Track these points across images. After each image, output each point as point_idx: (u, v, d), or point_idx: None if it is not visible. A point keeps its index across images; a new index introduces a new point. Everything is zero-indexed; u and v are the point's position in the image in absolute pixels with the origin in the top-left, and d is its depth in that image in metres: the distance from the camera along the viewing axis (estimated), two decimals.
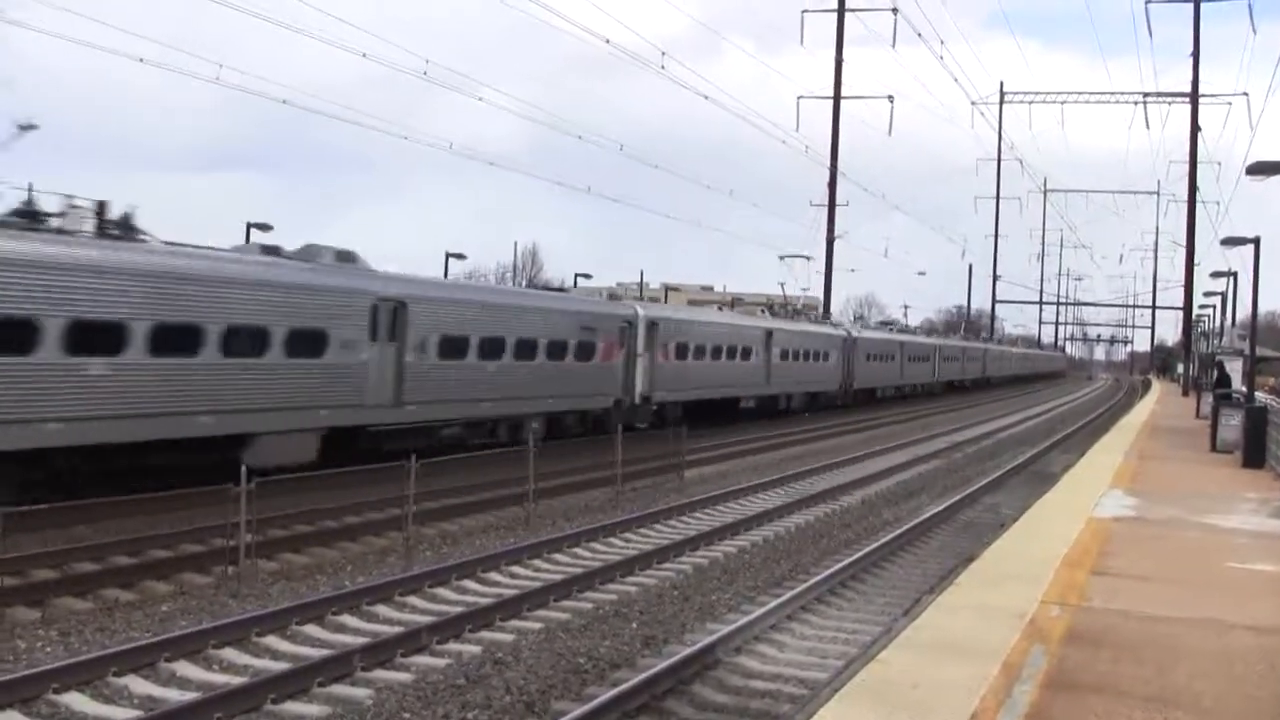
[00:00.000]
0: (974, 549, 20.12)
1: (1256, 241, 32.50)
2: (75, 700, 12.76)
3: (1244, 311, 48.72)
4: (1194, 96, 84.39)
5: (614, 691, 12.92)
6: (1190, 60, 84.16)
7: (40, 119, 24.87)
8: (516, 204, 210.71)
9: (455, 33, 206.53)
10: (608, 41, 54.90)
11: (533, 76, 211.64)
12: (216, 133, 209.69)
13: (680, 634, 16.29)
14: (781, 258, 72.65)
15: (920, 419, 65.23)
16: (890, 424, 59.46)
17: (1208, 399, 41.78)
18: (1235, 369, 41.84)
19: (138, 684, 13.38)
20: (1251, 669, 10.09)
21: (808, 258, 74.57)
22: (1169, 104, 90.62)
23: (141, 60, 36.39)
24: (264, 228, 31.94)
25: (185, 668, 14.05)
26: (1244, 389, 36.09)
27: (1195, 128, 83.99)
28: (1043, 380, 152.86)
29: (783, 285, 72.69)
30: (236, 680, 13.52)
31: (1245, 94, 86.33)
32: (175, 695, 12.99)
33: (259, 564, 19.39)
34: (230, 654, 14.70)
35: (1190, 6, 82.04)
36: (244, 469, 19.11)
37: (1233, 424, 32.40)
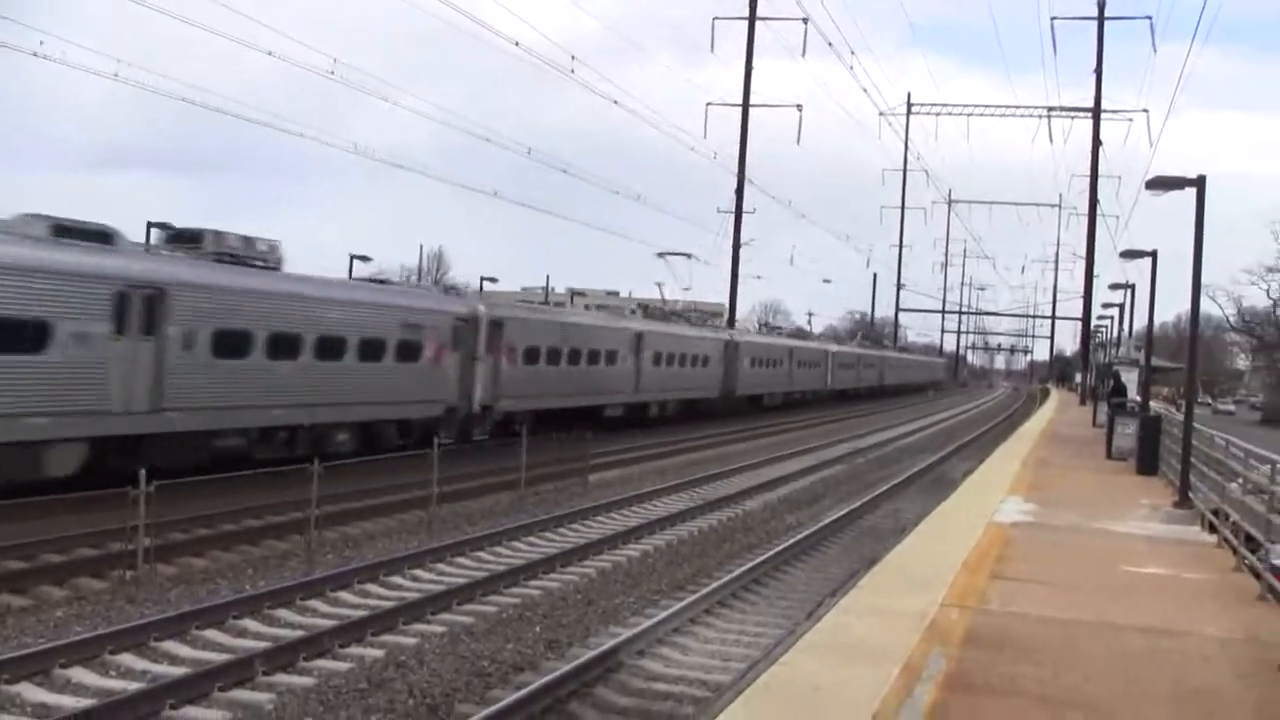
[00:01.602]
0: (876, 553, 20.32)
1: (1154, 255, 33.03)
2: None
3: (1141, 323, 49.52)
4: (1096, 112, 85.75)
5: (517, 694, 12.96)
6: (1094, 77, 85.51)
7: None
8: (425, 207, 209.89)
9: (364, 36, 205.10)
10: (517, 44, 54.94)
11: (443, 80, 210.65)
12: (116, 131, 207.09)
13: (584, 637, 16.36)
14: (660, 255, 68.82)
15: (812, 428, 65.23)
16: (778, 433, 58.97)
17: (1104, 408, 42.43)
18: (1131, 379, 42.48)
19: (31, 691, 13.19)
20: (1143, 669, 10.31)
21: (688, 255, 69.75)
22: (1072, 119, 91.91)
23: (35, 54, 35.77)
24: (165, 228, 31.55)
25: (81, 674, 13.86)
26: (1139, 398, 36.67)
27: (1097, 142, 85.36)
28: (931, 388, 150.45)
29: (660, 285, 69.05)
30: (134, 686, 13.35)
31: (1146, 110, 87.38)
32: (70, 702, 12.78)
33: (158, 568, 19.15)
34: (128, 659, 14.51)
35: (1094, 25, 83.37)
36: (143, 471, 18.89)
37: (1128, 432, 32.93)
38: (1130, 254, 35.34)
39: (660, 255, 67.86)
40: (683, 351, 59.50)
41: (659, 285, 68.47)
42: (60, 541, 20.09)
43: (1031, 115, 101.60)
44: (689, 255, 69.19)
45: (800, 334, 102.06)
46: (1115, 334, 64.89)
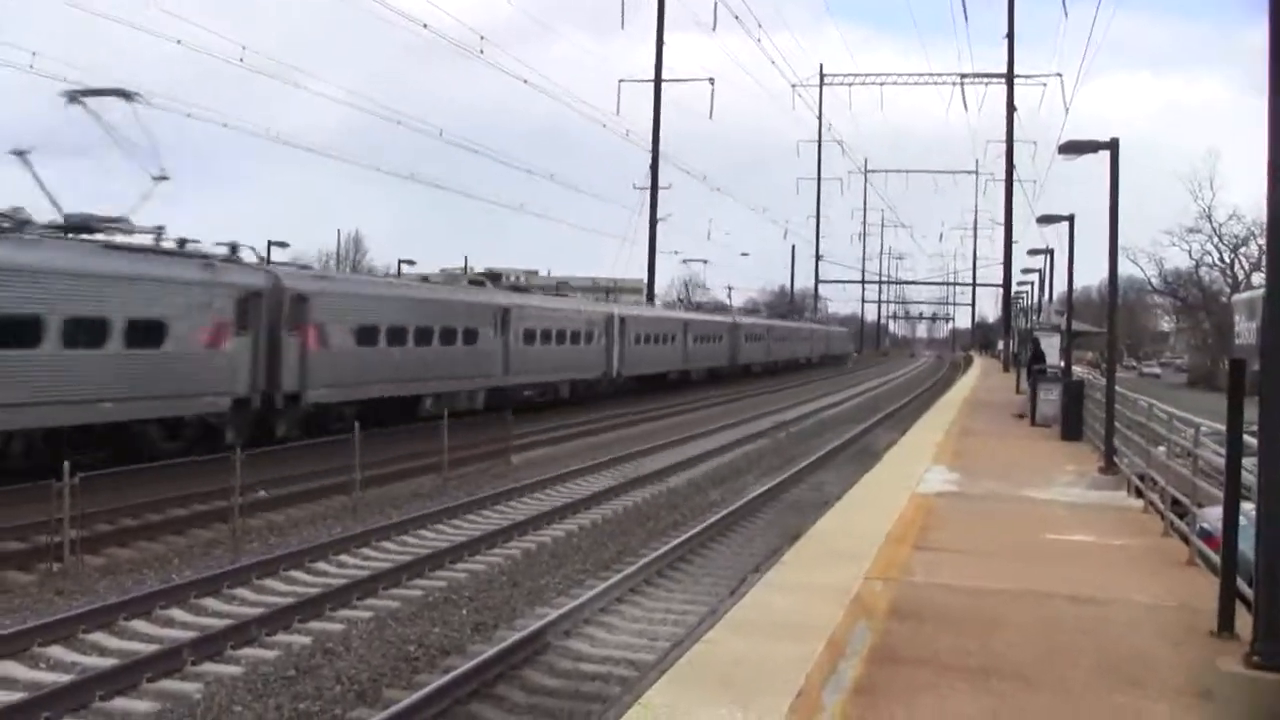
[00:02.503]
0: (799, 527, 20.41)
1: (1071, 219, 33.23)
2: None
3: (1062, 287, 49.89)
4: (1009, 77, 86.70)
5: (445, 678, 13.01)
6: (1006, 42, 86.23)
7: None
8: (341, 192, 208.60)
9: (275, 21, 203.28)
10: (425, 27, 54.66)
11: (354, 64, 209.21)
12: (30, 121, 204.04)
13: (510, 619, 16.41)
14: None
15: (735, 401, 65.26)
16: (702, 408, 58.84)
17: (1026, 375, 42.74)
18: (1053, 345, 42.71)
19: None
20: (1070, 637, 10.42)
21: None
22: (986, 85, 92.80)
23: None
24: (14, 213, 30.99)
25: (10, 667, 13.82)
26: (1061, 364, 36.94)
27: (1011, 108, 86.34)
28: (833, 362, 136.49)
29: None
30: (64, 678, 13.34)
31: (1059, 75, 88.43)
32: (1, 695, 12.75)
33: (84, 560, 19.07)
34: (57, 652, 14.47)
35: None
36: (66, 464, 18.76)
37: (1051, 399, 33.20)
38: (1047, 219, 35.50)
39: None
40: (559, 328, 54.09)
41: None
42: None
43: (945, 82, 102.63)
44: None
45: (721, 308, 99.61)
46: (1036, 300, 65.38)
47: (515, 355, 47.95)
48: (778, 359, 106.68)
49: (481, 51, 59.60)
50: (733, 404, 62.82)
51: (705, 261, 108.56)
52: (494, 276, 56.83)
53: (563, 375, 55.32)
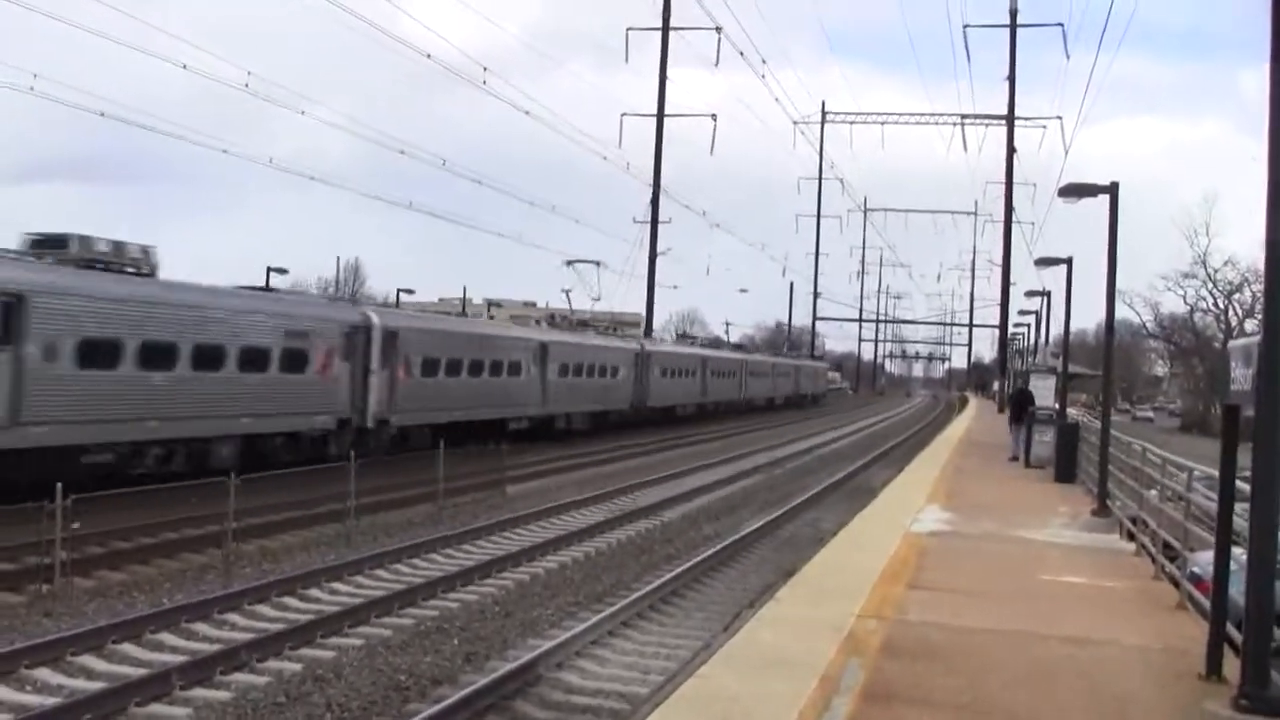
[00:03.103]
0: (794, 563, 20.44)
1: (1069, 261, 33.31)
2: None
3: (1058, 329, 49.98)
4: (1010, 119, 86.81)
5: (435, 708, 12.97)
6: (1007, 84, 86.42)
7: None
8: (342, 219, 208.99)
9: (280, 48, 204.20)
10: (429, 56, 54.85)
11: (357, 91, 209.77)
12: (35, 144, 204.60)
13: (502, 650, 16.35)
14: (568, 263, 66.24)
15: (731, 437, 65.38)
16: (697, 443, 59.08)
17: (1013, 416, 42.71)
18: (1048, 386, 42.71)
19: None
20: (1061, 678, 10.43)
21: (597, 263, 67.01)
22: (986, 126, 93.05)
23: None
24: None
25: None
26: (1056, 406, 36.97)
27: (1011, 149, 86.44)
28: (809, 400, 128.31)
29: (568, 293, 66.96)
30: (50, 701, 13.24)
31: (1059, 117, 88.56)
32: None
33: (75, 582, 19.05)
34: (44, 674, 14.42)
35: (1007, 32, 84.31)
36: (59, 485, 18.77)
37: (1045, 440, 33.21)
38: (1045, 261, 35.62)
39: (569, 263, 66.13)
40: (591, 362, 58.06)
41: (566, 293, 66.75)
42: None
43: (946, 123, 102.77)
44: (598, 263, 67.02)
45: (717, 344, 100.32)
46: (1032, 341, 65.48)
47: (552, 387, 51.96)
48: (780, 394, 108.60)
49: (484, 82, 59.82)
50: (731, 439, 62.85)
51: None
52: (494, 306, 58.07)
53: (594, 406, 58.35)
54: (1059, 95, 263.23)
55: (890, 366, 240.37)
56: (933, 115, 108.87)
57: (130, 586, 19.76)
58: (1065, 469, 30.07)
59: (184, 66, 44.00)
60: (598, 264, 66.59)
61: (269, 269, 46.46)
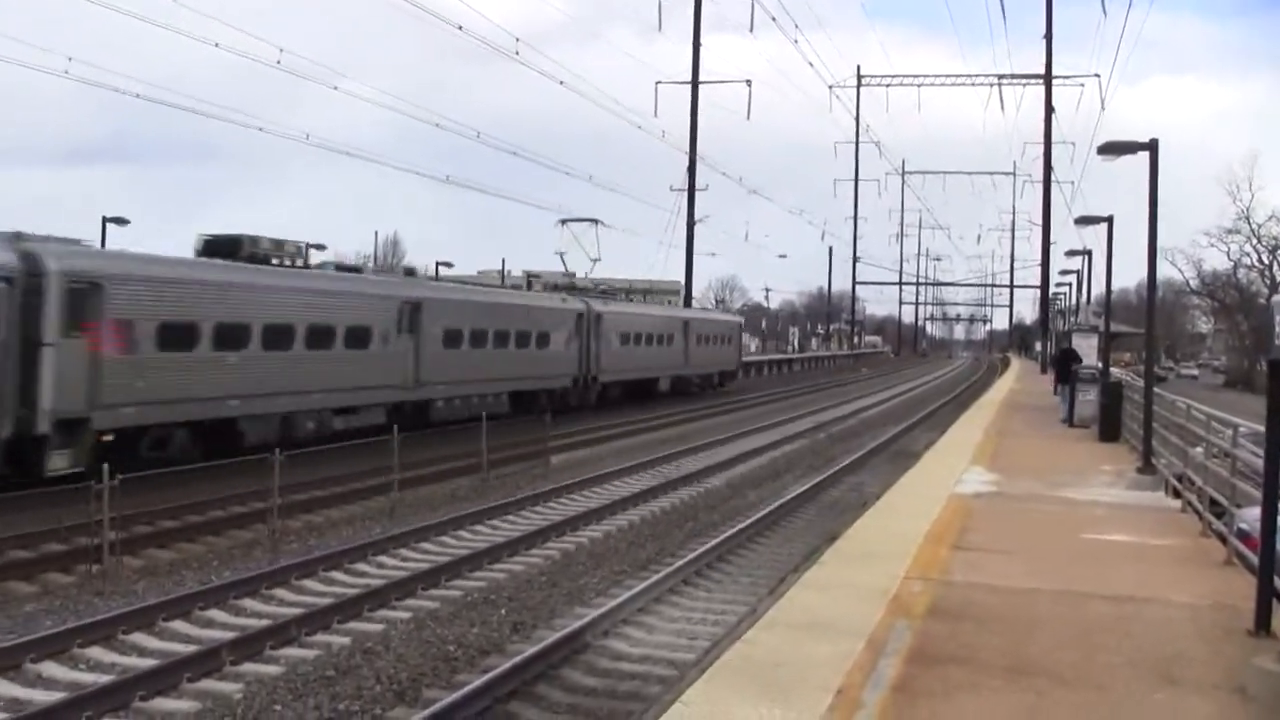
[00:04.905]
0: (838, 527, 20.41)
1: (1110, 220, 33.02)
2: None
3: (1099, 288, 49.58)
4: (1047, 78, 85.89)
5: (484, 678, 13.02)
6: (1044, 43, 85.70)
7: None
8: (378, 193, 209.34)
9: (311, 23, 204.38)
10: (460, 29, 54.69)
11: (391, 66, 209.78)
12: (72, 127, 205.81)
13: (549, 619, 16.42)
14: (563, 222, 59.85)
15: (774, 403, 64.96)
16: (739, 410, 58.73)
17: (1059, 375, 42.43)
18: (1090, 345, 42.37)
19: (3, 686, 13.25)
20: (1108, 637, 10.38)
21: (595, 221, 60.55)
22: (1024, 85, 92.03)
23: None
24: (121, 222, 31.38)
25: (51, 668, 13.92)
26: (1098, 365, 36.68)
27: (1049, 109, 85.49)
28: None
29: (562, 256, 60.18)
30: (104, 679, 13.41)
31: (1097, 75, 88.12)
32: (42, 696, 12.86)
33: (124, 561, 19.16)
34: (97, 652, 14.56)
35: None
36: (105, 466, 18.88)
37: (1089, 399, 33.00)
38: (1085, 220, 35.26)
39: (563, 222, 60.42)
40: (499, 327, 45.02)
41: (560, 255, 60.64)
42: (27, 537, 20.12)
43: (982, 84, 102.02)
44: (595, 221, 61.09)
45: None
46: (1074, 301, 65.02)
47: (428, 361, 40.65)
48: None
49: (517, 53, 59.61)
50: (776, 404, 62.80)
51: None
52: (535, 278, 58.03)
53: (505, 386, 45.44)
54: (1097, 53, 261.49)
55: (931, 329, 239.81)
56: (969, 76, 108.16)
57: (178, 565, 19.91)
58: (1109, 428, 29.88)
59: (216, 45, 44.06)
60: (595, 222, 61.47)
61: (306, 245, 46.51)
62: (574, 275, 61.46)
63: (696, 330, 69.67)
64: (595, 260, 61.68)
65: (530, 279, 60.60)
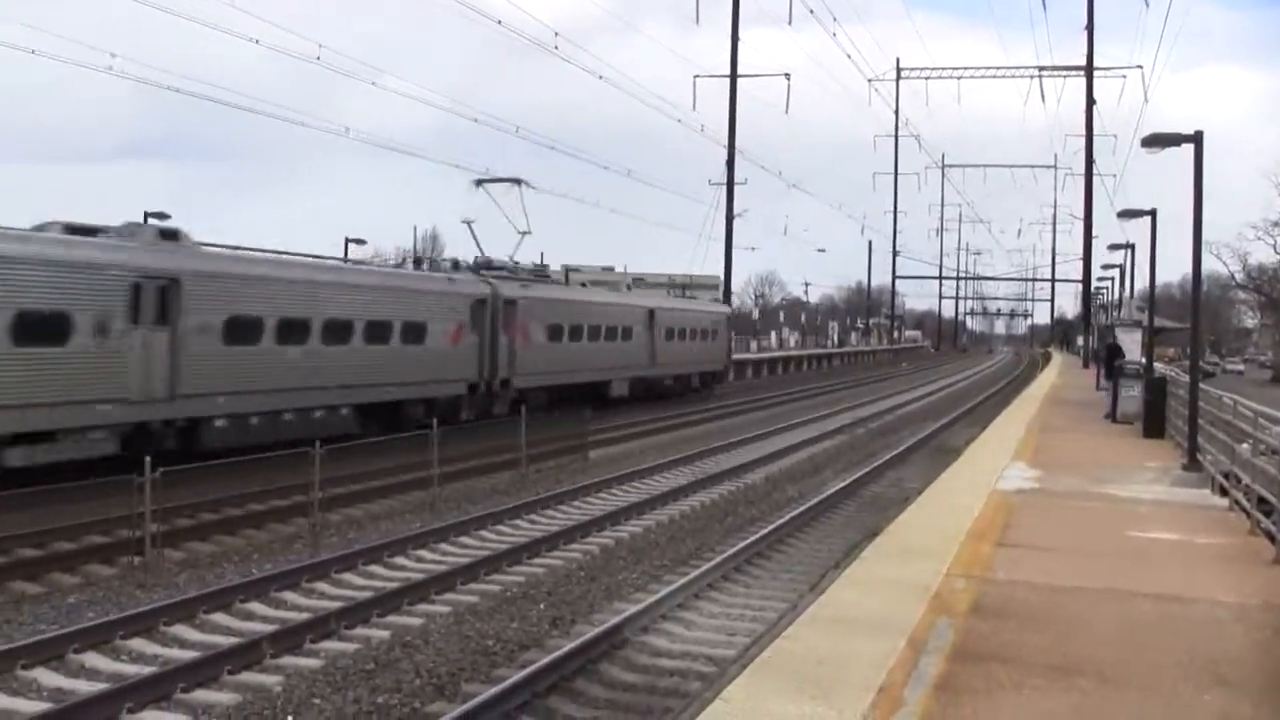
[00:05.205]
0: (878, 523, 20.30)
1: (1153, 213, 32.77)
2: None
3: (1143, 283, 49.30)
4: (1089, 70, 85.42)
5: (523, 673, 12.99)
6: (1085, 34, 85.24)
7: None
8: (416, 188, 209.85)
9: (351, 19, 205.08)
10: (500, 23, 54.72)
11: (430, 61, 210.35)
12: (119, 123, 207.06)
13: (588, 614, 16.40)
14: (478, 183, 47.34)
15: (812, 398, 64.76)
16: (778, 405, 58.65)
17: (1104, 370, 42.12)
18: (1134, 340, 42.06)
19: (47, 676, 13.33)
20: (1154, 636, 10.29)
21: (518, 182, 46.46)
22: (1065, 77, 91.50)
23: (34, 52, 35.97)
24: (162, 216, 31.48)
25: (94, 659, 14.01)
26: (1142, 360, 36.38)
27: (1090, 101, 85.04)
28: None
29: (470, 225, 46.69)
30: (146, 670, 13.46)
31: (1139, 67, 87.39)
32: (85, 686, 12.94)
33: (165, 554, 19.26)
34: (139, 644, 14.64)
35: None
36: (147, 458, 18.96)
37: (1132, 395, 32.71)
38: (1128, 213, 34.96)
39: (478, 183, 47.53)
40: (331, 316, 32.76)
41: (468, 224, 46.53)
42: (71, 529, 20.27)
43: (1023, 76, 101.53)
44: (518, 181, 47.08)
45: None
46: (1117, 295, 64.62)
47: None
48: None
49: (556, 48, 59.64)
50: (815, 399, 62.68)
51: None
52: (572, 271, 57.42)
53: (357, 397, 34.25)
54: (1140, 43, 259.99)
55: (971, 324, 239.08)
56: (1009, 68, 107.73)
57: (219, 557, 20.00)
58: (1153, 424, 29.61)
59: (255, 41, 44.14)
60: (518, 182, 47.30)
61: (346, 240, 46.74)
62: (520, 262, 48.12)
63: (665, 322, 58.13)
64: (524, 233, 47.53)
65: (568, 272, 60.11)
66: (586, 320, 49.55)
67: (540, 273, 51.21)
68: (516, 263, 46.90)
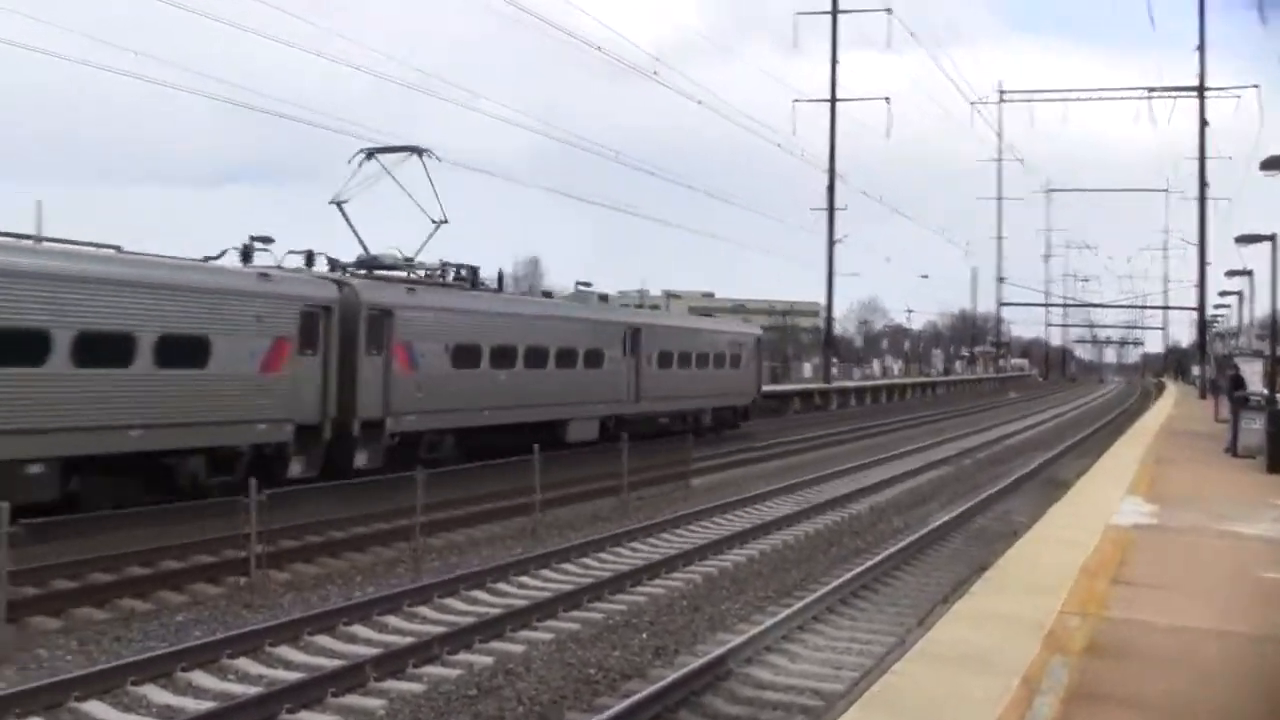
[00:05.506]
0: (986, 558, 20.07)
1: (1273, 238, 32.24)
2: (96, 708, 12.96)
3: (1262, 310, 48.47)
4: (1200, 90, 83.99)
5: (626, 703, 12.90)
6: (1196, 54, 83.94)
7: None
8: (520, 214, 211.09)
9: (449, 42, 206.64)
10: (599, 49, 54.91)
11: (531, 86, 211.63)
12: (218, 147, 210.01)
13: (691, 644, 16.27)
14: (368, 154, 35.71)
15: (916, 427, 64.38)
16: (880, 434, 58.35)
17: (1226, 402, 41.28)
18: (1255, 370, 41.21)
19: (156, 693, 13.53)
20: (1277, 681, 10.01)
21: (418, 151, 35.45)
22: (1175, 98, 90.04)
23: (135, 77, 36.45)
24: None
25: (201, 677, 14.17)
26: (1263, 391, 35.59)
27: (1203, 122, 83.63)
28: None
29: (341, 205, 35.36)
30: (252, 690, 13.61)
31: (1256, 86, 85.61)
32: (192, 704, 13.11)
33: (270, 574, 19.46)
34: (244, 664, 14.78)
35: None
36: (253, 481, 19.16)
37: (1254, 427, 31.85)
38: (1247, 239, 34.48)
39: (368, 154, 35.77)
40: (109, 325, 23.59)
41: (339, 204, 35.31)
42: (179, 549, 20.58)
43: (1131, 97, 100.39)
44: (419, 150, 36.02)
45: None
46: (1236, 323, 63.71)
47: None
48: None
49: (655, 73, 59.76)
50: (920, 428, 62.26)
51: None
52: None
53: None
54: (1256, 62, 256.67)
55: (1080, 352, 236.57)
56: (1117, 89, 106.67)
57: (323, 579, 20.17)
58: (1278, 458, 28.86)
59: (357, 68, 44.34)
60: (419, 152, 36.31)
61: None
62: (418, 258, 36.45)
63: (661, 343, 47.53)
64: (439, 222, 36.89)
65: (670, 298, 59.91)
66: (523, 340, 37.77)
67: (470, 278, 38.72)
68: (409, 260, 35.55)
